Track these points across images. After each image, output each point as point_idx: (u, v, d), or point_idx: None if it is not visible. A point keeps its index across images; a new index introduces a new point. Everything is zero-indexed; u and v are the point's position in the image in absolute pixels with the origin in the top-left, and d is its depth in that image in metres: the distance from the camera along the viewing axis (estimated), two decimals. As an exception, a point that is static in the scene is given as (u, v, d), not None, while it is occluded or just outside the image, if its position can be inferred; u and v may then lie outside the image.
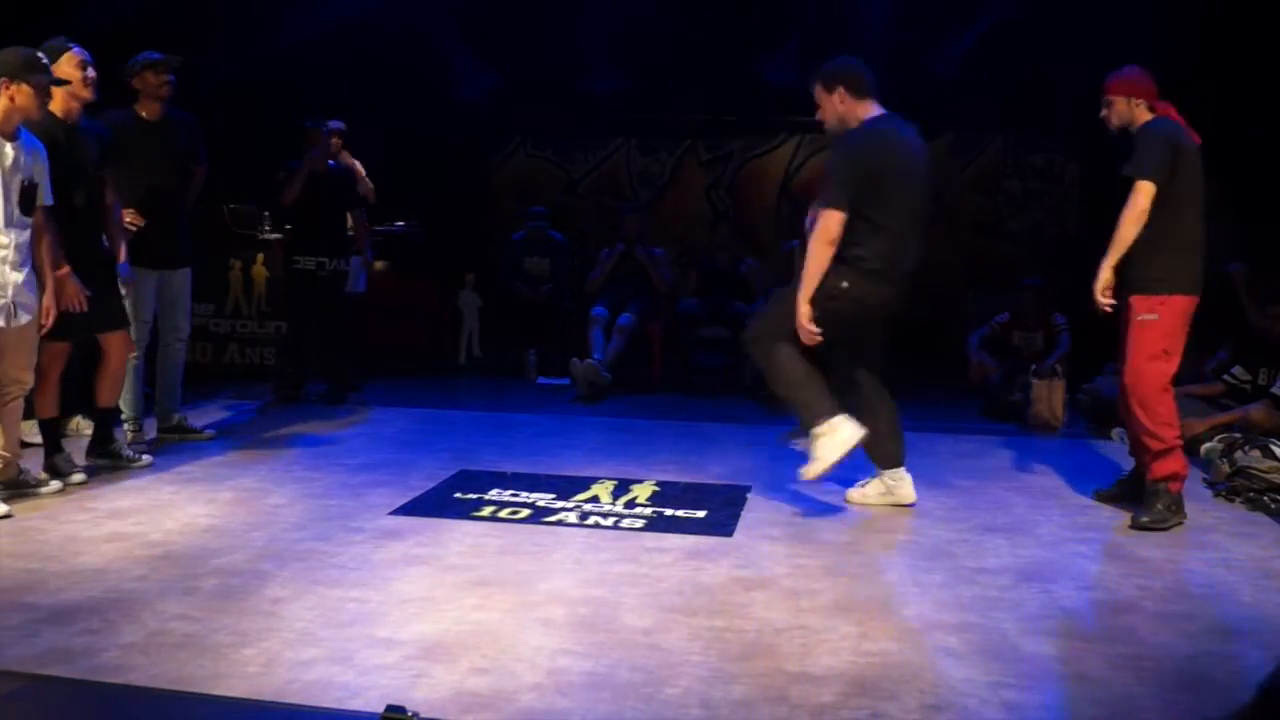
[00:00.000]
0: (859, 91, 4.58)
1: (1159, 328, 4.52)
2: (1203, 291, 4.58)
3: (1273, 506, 4.80)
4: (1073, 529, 4.54)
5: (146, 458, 5.41)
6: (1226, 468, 5.10)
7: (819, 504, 4.83)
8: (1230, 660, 3.21)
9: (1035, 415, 6.75)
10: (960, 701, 2.88)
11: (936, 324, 8.81)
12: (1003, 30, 8.32)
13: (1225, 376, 6.12)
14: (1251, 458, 5.03)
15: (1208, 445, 5.44)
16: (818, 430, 4.55)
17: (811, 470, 4.59)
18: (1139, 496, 4.73)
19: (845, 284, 4.48)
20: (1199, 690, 3.00)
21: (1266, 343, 6.02)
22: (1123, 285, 4.59)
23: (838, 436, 4.53)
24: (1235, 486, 5.00)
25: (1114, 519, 4.70)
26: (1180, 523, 4.56)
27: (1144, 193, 4.42)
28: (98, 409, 5.35)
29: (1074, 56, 7.62)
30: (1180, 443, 4.65)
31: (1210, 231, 4.58)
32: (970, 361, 7.54)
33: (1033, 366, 7.02)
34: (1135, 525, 4.57)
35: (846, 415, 4.56)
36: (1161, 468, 4.59)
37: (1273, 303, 6.03)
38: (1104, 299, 4.56)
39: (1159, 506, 4.56)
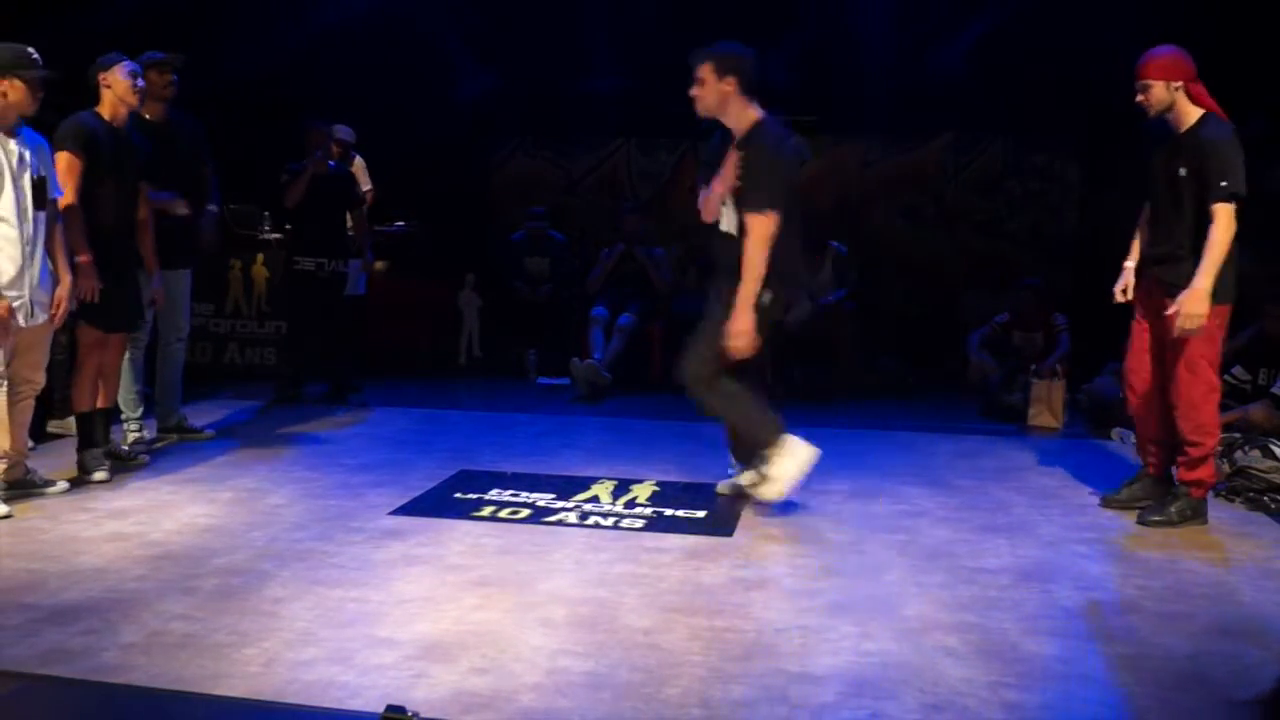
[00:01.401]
0: (748, 88, 4.48)
1: (1205, 334, 4.39)
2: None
3: (1273, 506, 4.80)
4: (1073, 529, 4.54)
5: (144, 457, 5.42)
6: (1226, 468, 5.09)
7: (819, 504, 4.83)
8: (1230, 660, 3.20)
9: (1035, 415, 6.75)
10: (960, 701, 2.88)
11: (936, 324, 8.81)
12: (1003, 30, 8.31)
13: (1225, 376, 6.11)
14: (1251, 458, 5.02)
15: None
16: (773, 451, 4.57)
17: (772, 491, 4.60)
18: (1150, 498, 4.72)
19: (768, 296, 4.44)
20: (1199, 690, 3.00)
21: (1268, 342, 6.01)
22: (1160, 289, 4.52)
23: (797, 457, 4.55)
24: (1235, 486, 5.00)
25: (1114, 519, 4.70)
26: (1199, 524, 4.54)
27: (1231, 214, 4.29)
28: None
29: (1074, 56, 7.63)
30: (1215, 450, 4.61)
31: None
32: (970, 361, 7.54)
33: (1033, 366, 7.03)
34: (1143, 521, 4.57)
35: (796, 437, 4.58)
36: (1191, 473, 4.56)
37: (1273, 303, 6.03)
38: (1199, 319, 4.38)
39: (1173, 509, 4.55)
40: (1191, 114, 4.41)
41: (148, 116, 5.65)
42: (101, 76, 5.12)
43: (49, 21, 5.61)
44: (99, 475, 4.99)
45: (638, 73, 8.86)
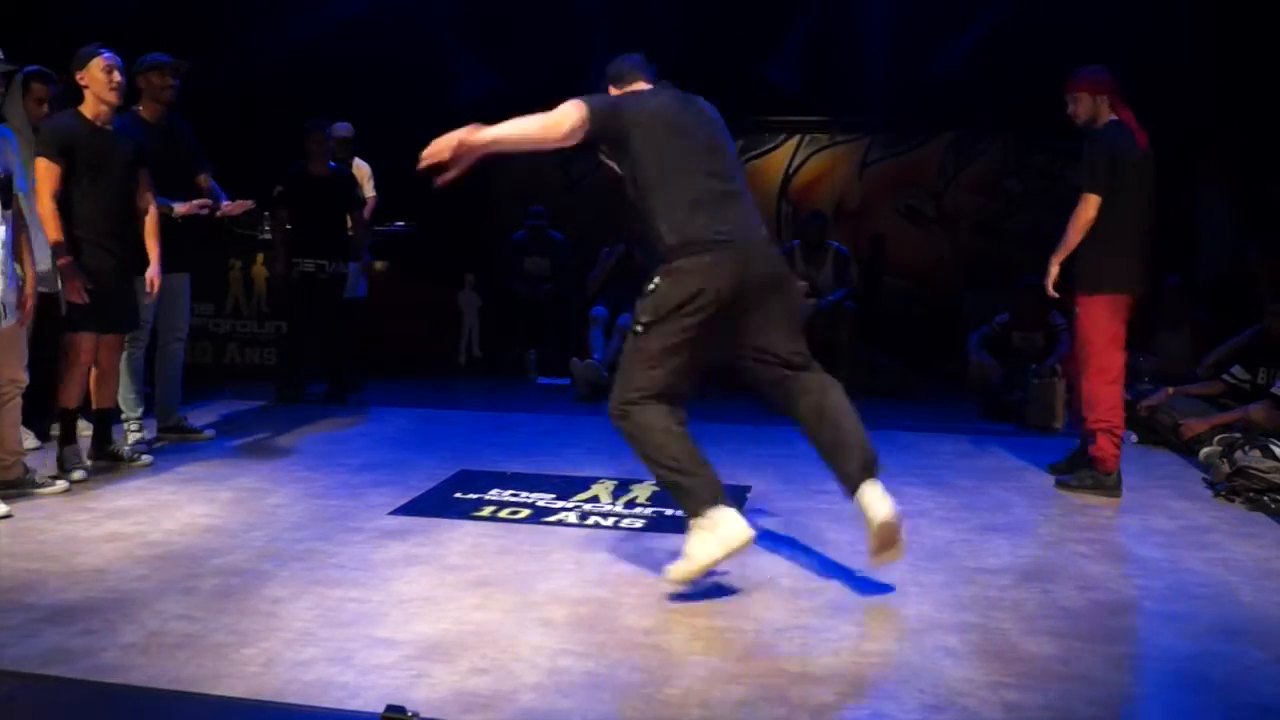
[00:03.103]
0: (621, 80, 4.28)
1: (1077, 322, 5.02)
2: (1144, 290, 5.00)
3: (1273, 506, 4.80)
4: (1073, 529, 4.54)
5: (146, 458, 5.41)
6: (1226, 468, 5.09)
7: (819, 504, 4.82)
8: (1230, 660, 3.20)
9: (1035, 415, 6.75)
10: (960, 701, 2.88)
11: (936, 324, 8.82)
12: (1002, 30, 8.32)
13: (1225, 376, 6.12)
14: (1251, 458, 5.02)
15: (1207, 449, 5.45)
16: (699, 521, 3.56)
17: (680, 571, 3.60)
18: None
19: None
20: (1199, 690, 3.00)
21: (1268, 342, 6.02)
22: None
23: (719, 532, 3.52)
24: (1235, 486, 5.00)
25: (1114, 519, 4.70)
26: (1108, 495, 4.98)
27: (1089, 204, 4.88)
28: (95, 411, 5.35)
29: (1074, 56, 7.62)
30: (1100, 426, 5.00)
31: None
32: (970, 361, 7.54)
33: (1033, 366, 7.03)
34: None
35: (735, 509, 3.57)
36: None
37: (1273, 302, 6.03)
38: (1053, 293, 5.06)
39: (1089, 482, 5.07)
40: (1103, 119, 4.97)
41: (146, 117, 5.65)
42: (78, 76, 4.97)
43: (44, 20, 5.60)
44: (76, 474, 4.96)
45: (638, 73, 8.85)
